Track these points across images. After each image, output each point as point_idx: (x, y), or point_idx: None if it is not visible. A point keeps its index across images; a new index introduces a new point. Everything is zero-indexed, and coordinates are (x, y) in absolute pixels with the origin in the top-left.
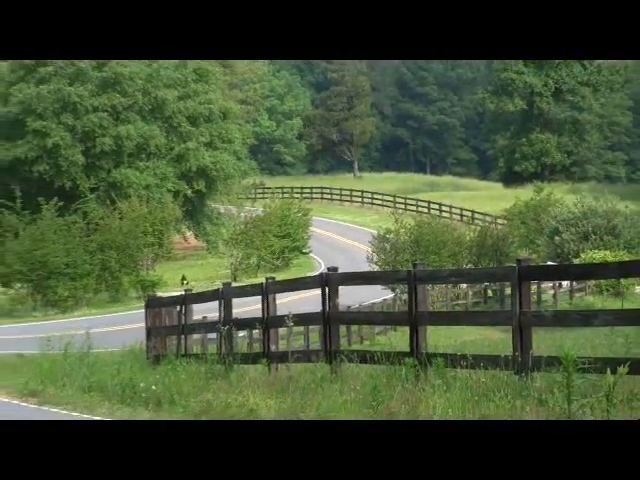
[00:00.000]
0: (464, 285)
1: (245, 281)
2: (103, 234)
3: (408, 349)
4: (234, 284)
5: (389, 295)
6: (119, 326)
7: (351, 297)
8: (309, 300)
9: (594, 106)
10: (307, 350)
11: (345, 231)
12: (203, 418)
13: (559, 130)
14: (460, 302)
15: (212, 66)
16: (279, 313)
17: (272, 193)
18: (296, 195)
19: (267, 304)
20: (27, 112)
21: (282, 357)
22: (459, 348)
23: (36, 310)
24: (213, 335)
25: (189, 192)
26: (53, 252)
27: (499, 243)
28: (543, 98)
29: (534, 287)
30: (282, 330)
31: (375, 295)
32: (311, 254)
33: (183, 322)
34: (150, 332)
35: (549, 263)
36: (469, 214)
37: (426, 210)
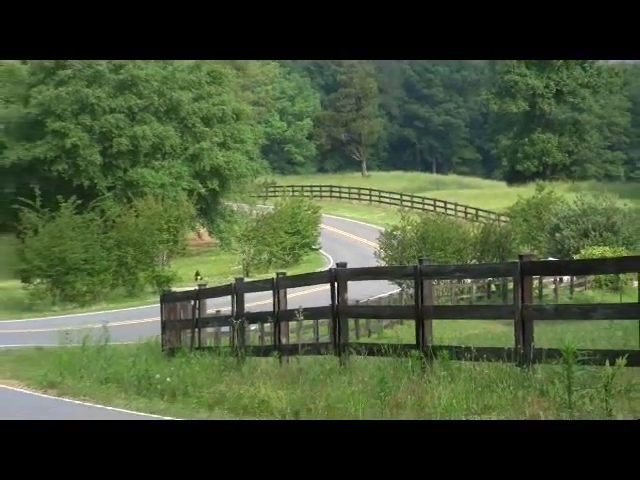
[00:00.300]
0: (468, 280)
1: (257, 276)
2: (120, 231)
3: (414, 342)
4: (246, 279)
5: (396, 290)
6: (135, 320)
7: (359, 292)
8: (319, 295)
9: (594, 107)
10: (317, 343)
11: (353, 228)
12: (216, 409)
13: (560, 130)
14: (464, 296)
15: (225, 69)
16: (289, 307)
17: (283, 191)
18: (306, 193)
19: (278, 298)
20: (46, 113)
21: (292, 350)
22: (463, 341)
23: (55, 305)
24: (226, 328)
25: (203, 190)
26: (71, 248)
27: (502, 240)
28: (545, 99)
29: (536, 282)
30: (292, 324)
31: (382, 290)
32: (321, 250)
33: (197, 316)
34: (165, 326)
35: (550, 259)
36: (473, 212)
37: (432, 208)
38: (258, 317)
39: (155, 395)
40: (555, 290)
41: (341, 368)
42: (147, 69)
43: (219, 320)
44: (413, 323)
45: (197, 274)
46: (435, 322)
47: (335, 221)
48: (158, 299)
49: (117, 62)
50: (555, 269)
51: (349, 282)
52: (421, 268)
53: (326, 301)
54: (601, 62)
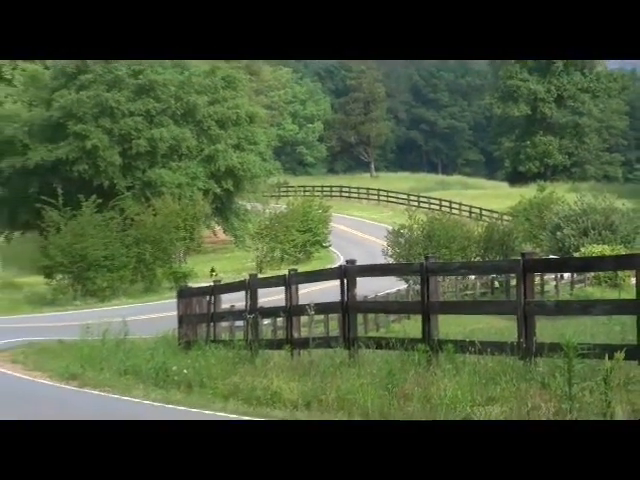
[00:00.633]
0: (473, 277)
1: (270, 273)
2: (138, 229)
3: (421, 336)
4: (259, 275)
5: (403, 286)
6: (153, 314)
7: (368, 288)
8: (329, 290)
9: (593, 111)
10: (327, 337)
11: (362, 227)
12: (231, 400)
13: (561, 133)
14: (469, 292)
15: (239, 73)
16: (301, 302)
17: (295, 191)
18: (317, 193)
19: (290, 294)
20: (68, 116)
21: (304, 343)
22: (468, 335)
23: (76, 299)
24: (240, 323)
25: (218, 190)
26: (92, 246)
27: (505, 238)
28: (546, 104)
29: (537, 279)
30: (304, 318)
31: (390, 286)
32: (331, 248)
33: (212, 310)
34: (182, 320)
35: (551, 256)
36: (477, 211)
37: (437, 207)
38: (271, 312)
39: (172, 386)
40: (556, 287)
41: (350, 361)
42: (165, 74)
43: (234, 314)
44: (419, 318)
45: (212, 270)
46: (440, 317)
47: (345, 220)
48: (175, 294)
49: (136, 67)
50: (556, 266)
51: (358, 278)
52: (427, 265)
53: (336, 297)
54: (600, 68)
